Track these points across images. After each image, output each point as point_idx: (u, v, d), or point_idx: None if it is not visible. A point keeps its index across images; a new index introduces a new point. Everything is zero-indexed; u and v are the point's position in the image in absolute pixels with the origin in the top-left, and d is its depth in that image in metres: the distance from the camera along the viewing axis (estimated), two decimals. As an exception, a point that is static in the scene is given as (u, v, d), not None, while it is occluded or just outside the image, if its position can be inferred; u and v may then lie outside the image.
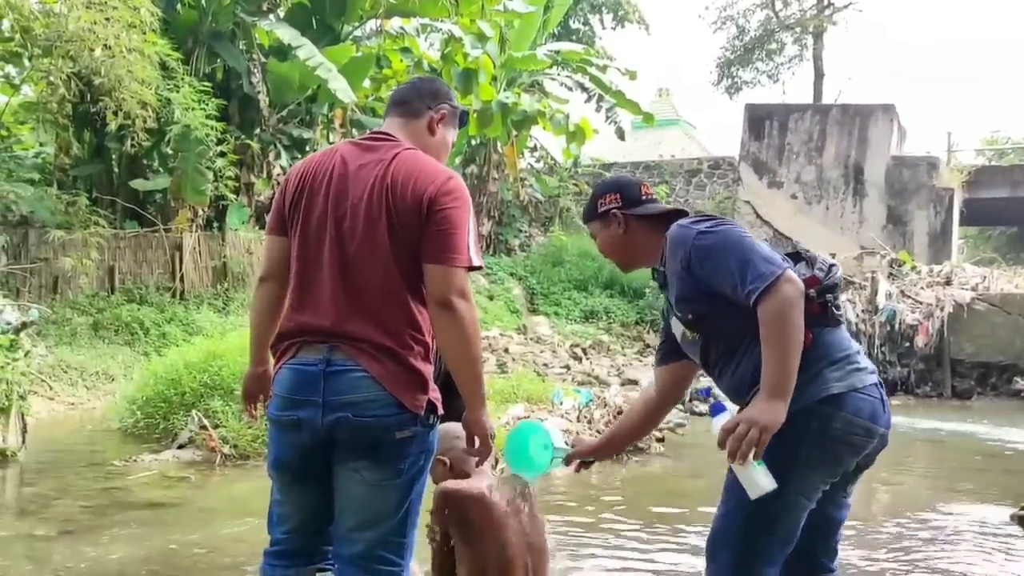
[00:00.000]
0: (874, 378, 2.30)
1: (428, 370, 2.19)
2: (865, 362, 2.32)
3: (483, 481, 2.65)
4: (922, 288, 13.02)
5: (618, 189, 2.50)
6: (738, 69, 27.84)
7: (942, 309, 12.18)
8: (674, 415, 8.39)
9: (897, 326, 12.27)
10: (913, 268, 14.19)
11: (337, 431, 2.11)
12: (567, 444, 2.72)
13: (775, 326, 2.12)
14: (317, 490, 2.21)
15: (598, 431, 7.15)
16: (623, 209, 2.47)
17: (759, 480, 2.14)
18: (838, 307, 2.32)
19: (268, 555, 2.30)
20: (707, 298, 2.29)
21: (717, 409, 2.23)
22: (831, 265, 2.34)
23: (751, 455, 2.10)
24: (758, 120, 18.65)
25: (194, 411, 6.61)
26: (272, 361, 2.30)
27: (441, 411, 2.24)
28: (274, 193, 14.05)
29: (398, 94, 2.41)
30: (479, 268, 2.18)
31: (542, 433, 2.67)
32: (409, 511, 2.18)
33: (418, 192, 2.12)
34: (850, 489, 2.45)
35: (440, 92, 2.39)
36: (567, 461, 2.69)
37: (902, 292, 12.92)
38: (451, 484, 2.60)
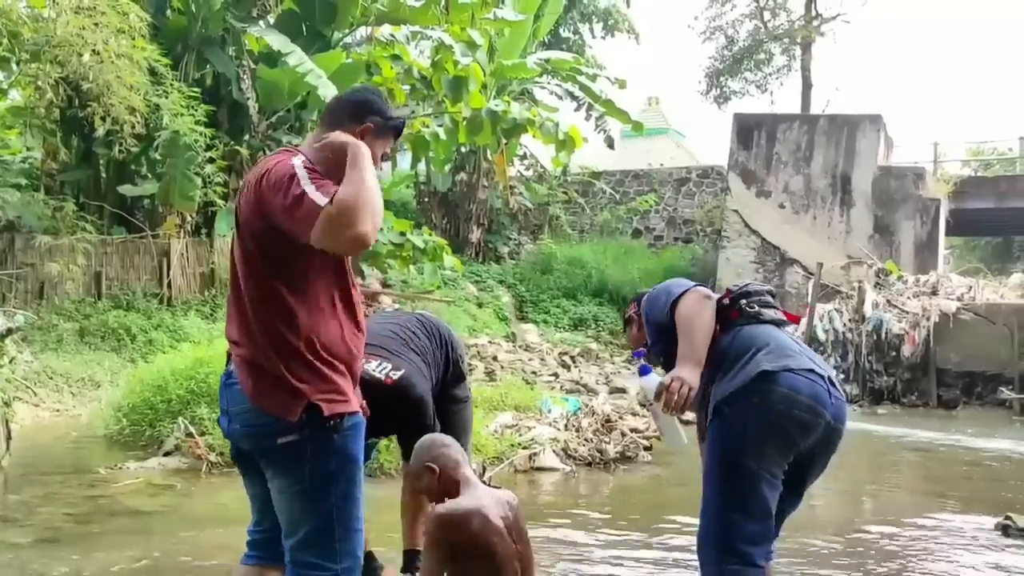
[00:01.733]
0: (816, 368, 2.61)
1: (303, 374, 2.18)
2: (804, 358, 2.63)
3: (476, 493, 2.64)
4: (908, 298, 13.07)
5: (638, 300, 3.14)
6: (727, 79, 27.97)
7: (928, 319, 12.23)
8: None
9: (884, 335, 12.31)
10: (900, 278, 14.25)
11: (239, 440, 2.32)
12: None
13: (682, 321, 2.68)
14: (260, 489, 2.36)
15: (586, 439, 7.16)
16: (637, 312, 3.11)
17: (681, 433, 2.78)
18: (752, 307, 2.76)
19: (247, 544, 2.49)
20: (661, 336, 2.83)
21: (645, 370, 2.81)
22: (747, 283, 2.88)
23: (683, 406, 2.57)
24: (746, 130, 18.71)
25: (180, 418, 6.58)
26: None
27: (344, 411, 2.21)
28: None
29: (328, 104, 2.46)
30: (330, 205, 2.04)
31: None
32: (333, 517, 2.22)
33: (255, 195, 2.18)
34: (808, 483, 2.74)
35: (369, 104, 2.35)
36: None
37: (888, 302, 12.96)
38: (447, 507, 2.59)
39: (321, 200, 2.04)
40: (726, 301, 2.78)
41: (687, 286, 2.78)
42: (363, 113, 2.33)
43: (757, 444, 2.51)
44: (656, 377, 2.66)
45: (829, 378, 2.63)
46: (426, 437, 2.79)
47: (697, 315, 2.66)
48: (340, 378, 2.24)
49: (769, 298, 2.84)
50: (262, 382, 2.20)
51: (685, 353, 2.62)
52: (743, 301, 2.77)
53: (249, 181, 2.25)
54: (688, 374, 2.57)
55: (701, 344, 2.62)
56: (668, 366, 2.80)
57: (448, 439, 2.75)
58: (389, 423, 3.07)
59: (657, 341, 2.89)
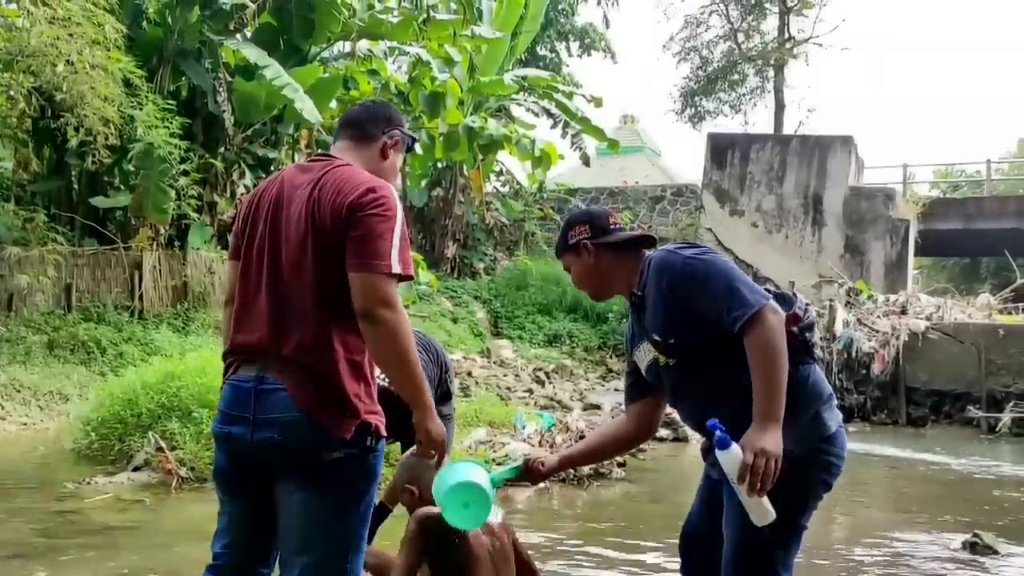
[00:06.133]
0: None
1: (359, 389, 2.16)
2: (838, 408, 2.49)
3: None
4: (878, 317, 13.25)
5: (587, 220, 2.56)
6: (701, 99, 28.26)
7: (898, 338, 12.40)
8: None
9: (854, 354, 12.46)
10: (870, 297, 14.45)
11: (267, 451, 2.14)
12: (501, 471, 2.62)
13: (764, 354, 2.21)
14: (253, 506, 2.24)
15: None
16: (592, 239, 2.51)
17: (769, 508, 2.21)
18: (814, 344, 2.45)
19: (207, 569, 2.32)
20: (689, 323, 2.35)
21: (724, 443, 2.21)
22: (807, 304, 2.47)
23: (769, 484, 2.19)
24: (721, 149, 18.93)
25: (151, 432, 6.50)
26: None
27: (383, 433, 2.21)
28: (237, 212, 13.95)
29: (351, 116, 2.43)
30: (407, 278, 2.12)
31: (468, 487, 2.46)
32: (351, 536, 2.17)
33: (340, 202, 2.12)
34: None
35: (393, 117, 2.43)
36: (531, 479, 2.67)
37: (859, 320, 13.13)
38: (431, 510, 2.58)
39: (395, 266, 2.08)
40: (794, 329, 2.37)
41: (763, 294, 2.28)
42: (392, 123, 2.40)
43: (812, 501, 2.42)
44: (737, 451, 2.18)
45: None
46: (409, 456, 2.78)
47: (785, 354, 2.23)
48: (374, 397, 2.22)
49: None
50: (321, 394, 2.11)
51: (773, 408, 2.20)
52: (808, 334, 2.43)
53: (322, 192, 2.15)
54: (774, 441, 2.17)
55: (784, 391, 2.22)
56: (677, 352, 2.39)
57: (432, 461, 2.71)
58: (392, 429, 3.07)
59: (676, 325, 2.38)
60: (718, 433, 2.19)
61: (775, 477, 2.17)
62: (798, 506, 2.34)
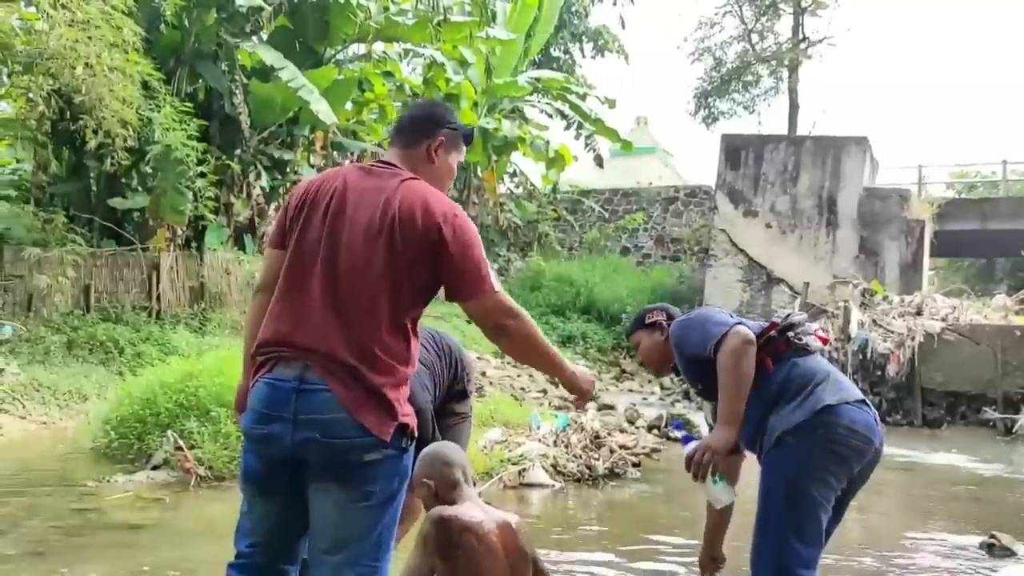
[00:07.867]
0: (862, 396, 2.81)
1: (399, 395, 2.19)
2: (855, 389, 2.83)
3: (474, 509, 2.65)
4: (894, 318, 13.18)
5: (664, 309, 3.23)
6: (715, 100, 28.21)
7: (913, 339, 12.33)
8: (650, 440, 8.44)
9: (869, 355, 12.41)
10: (885, 298, 14.38)
11: (306, 450, 2.13)
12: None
13: (724, 370, 2.71)
14: (283, 506, 2.23)
15: (575, 455, 7.18)
16: (668, 321, 3.12)
17: (717, 494, 2.78)
18: (800, 339, 2.84)
19: (231, 567, 2.31)
20: (696, 369, 2.88)
21: (687, 440, 2.81)
22: (790, 312, 2.98)
23: (709, 473, 2.74)
24: (734, 150, 18.88)
25: (169, 432, 6.55)
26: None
27: (416, 434, 2.25)
28: (253, 214, 14.08)
29: (400, 122, 2.47)
30: None
31: None
32: (382, 535, 2.19)
33: (429, 225, 2.17)
34: (848, 503, 2.88)
35: (437, 118, 2.43)
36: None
37: (874, 321, 13.07)
38: (445, 510, 2.60)
39: (496, 285, 2.28)
40: (773, 333, 2.83)
41: (727, 324, 2.79)
42: (433, 127, 2.41)
43: (821, 474, 2.66)
44: (690, 447, 2.77)
45: (869, 402, 2.81)
46: (428, 450, 2.79)
47: (743, 368, 2.70)
48: (407, 398, 2.27)
49: (809, 326, 2.91)
50: (367, 396, 2.15)
51: (725, 413, 2.70)
52: (790, 333, 2.83)
53: (402, 207, 2.20)
54: (720, 438, 2.70)
55: (743, 401, 2.69)
56: (704, 394, 2.99)
57: (451, 456, 2.70)
58: None
59: (689, 370, 2.96)
60: (675, 434, 2.83)
61: (707, 468, 2.72)
62: (803, 471, 2.65)
